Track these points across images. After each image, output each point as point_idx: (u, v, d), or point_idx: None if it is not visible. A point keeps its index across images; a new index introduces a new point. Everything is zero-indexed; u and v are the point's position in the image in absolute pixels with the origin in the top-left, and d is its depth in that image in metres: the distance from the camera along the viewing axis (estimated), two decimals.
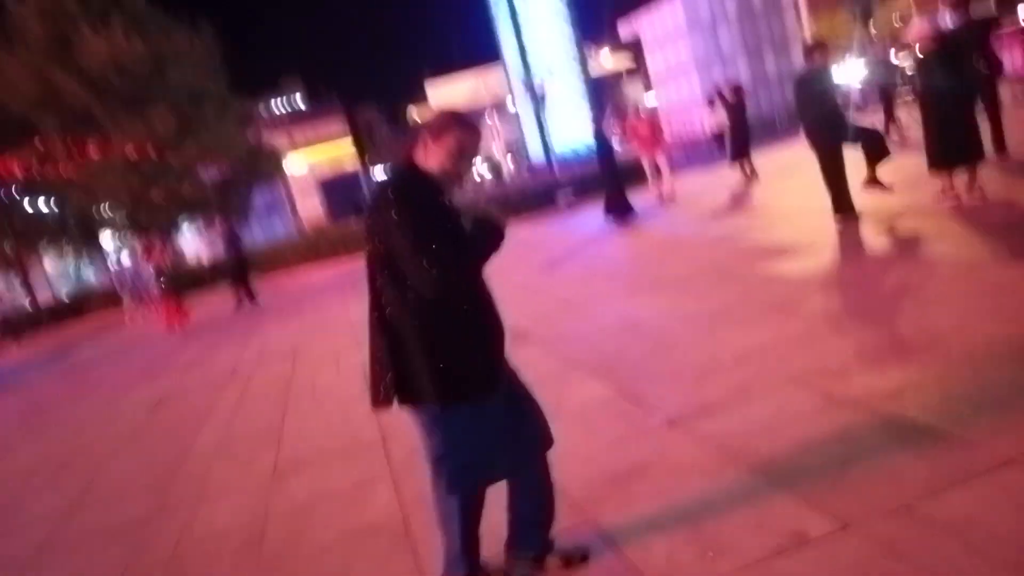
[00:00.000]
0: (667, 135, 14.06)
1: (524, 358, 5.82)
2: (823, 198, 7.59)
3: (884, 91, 13.50)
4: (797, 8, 26.26)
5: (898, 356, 3.91)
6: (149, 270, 15.04)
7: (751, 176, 12.72)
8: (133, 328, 16.35)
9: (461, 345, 2.50)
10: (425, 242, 2.34)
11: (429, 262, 2.33)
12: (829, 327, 4.65)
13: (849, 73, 22.12)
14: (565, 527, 3.06)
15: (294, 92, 68.19)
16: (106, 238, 25.49)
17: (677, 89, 25.89)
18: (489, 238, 2.51)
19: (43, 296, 26.60)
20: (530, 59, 21.27)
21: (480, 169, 40.61)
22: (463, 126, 2.52)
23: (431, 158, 2.49)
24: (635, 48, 31.89)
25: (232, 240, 14.87)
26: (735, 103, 13.21)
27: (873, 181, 7.36)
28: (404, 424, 4.73)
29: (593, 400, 4.46)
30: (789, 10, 26.37)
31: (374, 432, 4.90)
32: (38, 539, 4.67)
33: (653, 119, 13.83)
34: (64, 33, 20.72)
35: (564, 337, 6.08)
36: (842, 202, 7.32)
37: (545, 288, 8.58)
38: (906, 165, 8.40)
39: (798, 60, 26.00)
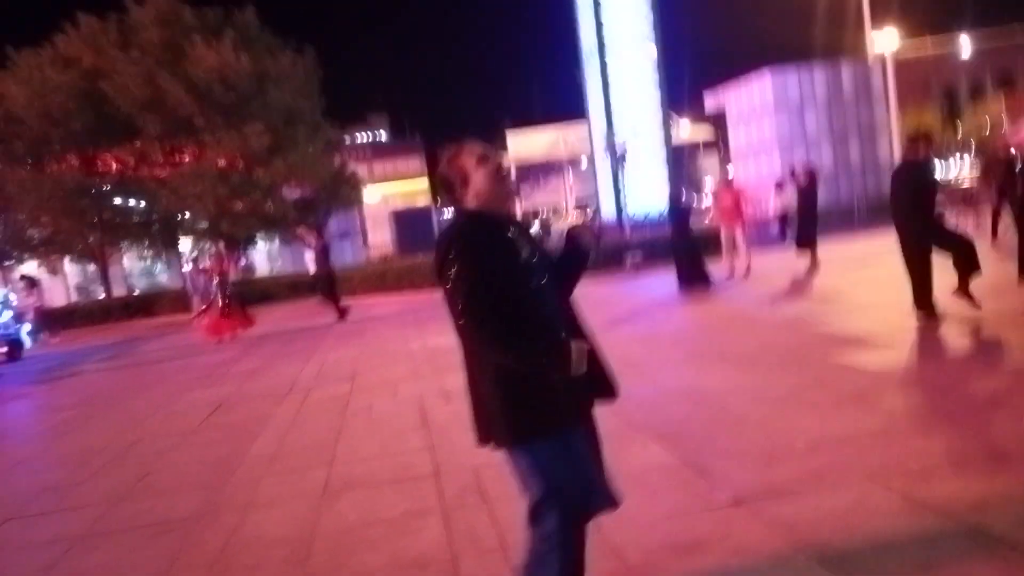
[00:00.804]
0: (749, 210, 13.82)
1: None
2: (901, 294, 7.39)
3: (999, 187, 12.66)
4: (887, 99, 25.98)
5: (984, 465, 3.73)
6: (215, 278, 15.36)
7: (815, 264, 12.38)
8: (198, 332, 16.77)
9: (532, 378, 2.40)
10: (472, 298, 2.34)
11: (471, 317, 2.34)
12: (910, 426, 4.47)
13: (950, 168, 21.85)
14: None
15: (379, 128, 70.37)
16: (184, 243, 26.44)
17: (756, 166, 25.76)
18: (550, 360, 2.39)
19: (117, 291, 27.65)
20: (615, 118, 21.51)
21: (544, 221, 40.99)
22: (479, 153, 2.52)
23: (477, 197, 2.49)
24: (716, 121, 32.03)
25: (325, 256, 15.58)
26: (807, 186, 12.87)
27: (964, 292, 7.02)
28: (458, 459, 4.74)
29: (655, 466, 4.36)
30: (880, 101, 26.10)
31: (427, 465, 4.89)
32: (91, 520, 4.76)
33: (738, 192, 13.68)
34: (178, 42, 21.94)
35: (626, 397, 5.91)
36: (924, 298, 7.09)
37: (606, 346, 8.42)
38: (997, 270, 8.14)
39: (883, 151, 25.70)
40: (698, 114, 34.33)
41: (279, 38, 23.94)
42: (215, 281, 14.67)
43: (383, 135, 70.60)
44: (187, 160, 22.83)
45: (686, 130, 39.75)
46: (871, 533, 3.17)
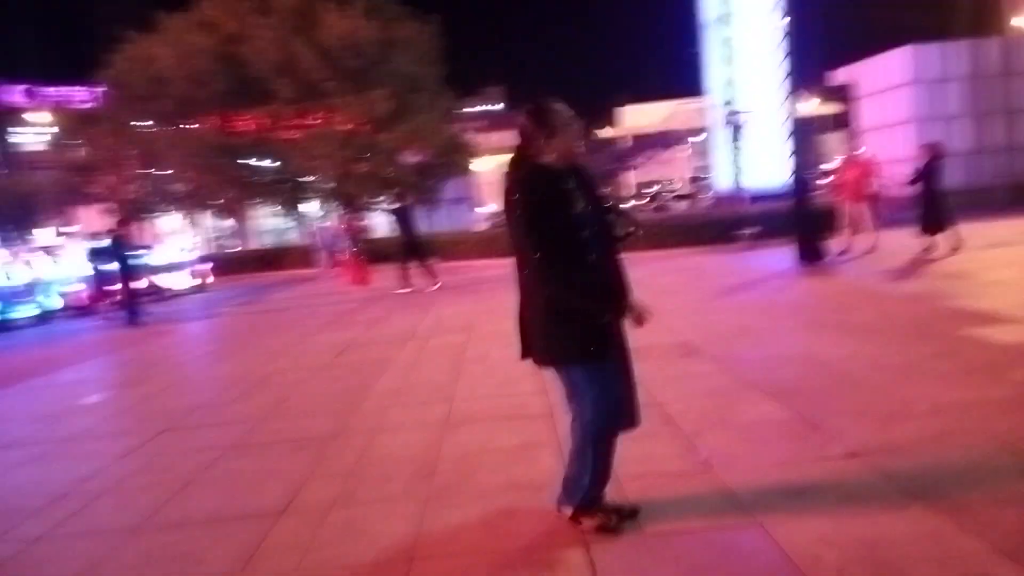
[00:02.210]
0: (878, 186, 13.10)
1: (694, 371, 5.86)
2: None
3: None
4: None
5: None
6: (345, 235, 16.28)
7: (940, 247, 11.36)
8: (324, 283, 17.75)
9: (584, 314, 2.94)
10: (536, 231, 2.82)
11: (536, 248, 2.83)
12: None
13: None
14: (731, 525, 3.11)
15: (496, 100, 70.95)
16: (310, 203, 27.72)
17: (890, 143, 24.34)
18: (603, 302, 2.95)
19: (250, 245, 29.44)
20: (736, 91, 20.91)
21: (663, 193, 40.28)
22: (557, 109, 2.96)
23: (551, 151, 2.92)
24: (845, 96, 30.42)
25: (404, 221, 14.27)
26: (926, 164, 11.61)
27: None
28: None
29: (767, 419, 4.40)
30: None
31: (543, 406, 5.10)
32: (238, 434, 5.28)
33: (866, 166, 13.05)
34: (311, 9, 22.91)
35: (738, 359, 6.01)
36: None
37: (719, 312, 8.47)
38: None
39: None
40: (826, 89, 32.70)
41: (405, 6, 24.55)
42: (343, 238, 15.61)
43: (500, 107, 71.08)
44: (316, 123, 23.87)
45: (812, 105, 38.05)
46: (993, 492, 3.15)
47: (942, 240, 11.49)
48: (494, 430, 4.75)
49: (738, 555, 2.88)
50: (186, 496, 4.15)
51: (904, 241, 12.11)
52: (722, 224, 16.44)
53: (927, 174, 11.65)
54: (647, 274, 12.66)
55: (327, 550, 3.27)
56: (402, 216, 14.53)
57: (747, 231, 15.56)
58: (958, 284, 8.50)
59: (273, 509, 3.78)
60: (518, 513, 3.43)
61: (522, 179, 2.93)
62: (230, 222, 28.62)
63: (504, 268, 3.04)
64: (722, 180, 23.27)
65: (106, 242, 13.88)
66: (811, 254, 11.62)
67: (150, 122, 25.02)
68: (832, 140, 37.14)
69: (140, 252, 14.58)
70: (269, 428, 5.38)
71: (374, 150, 23.12)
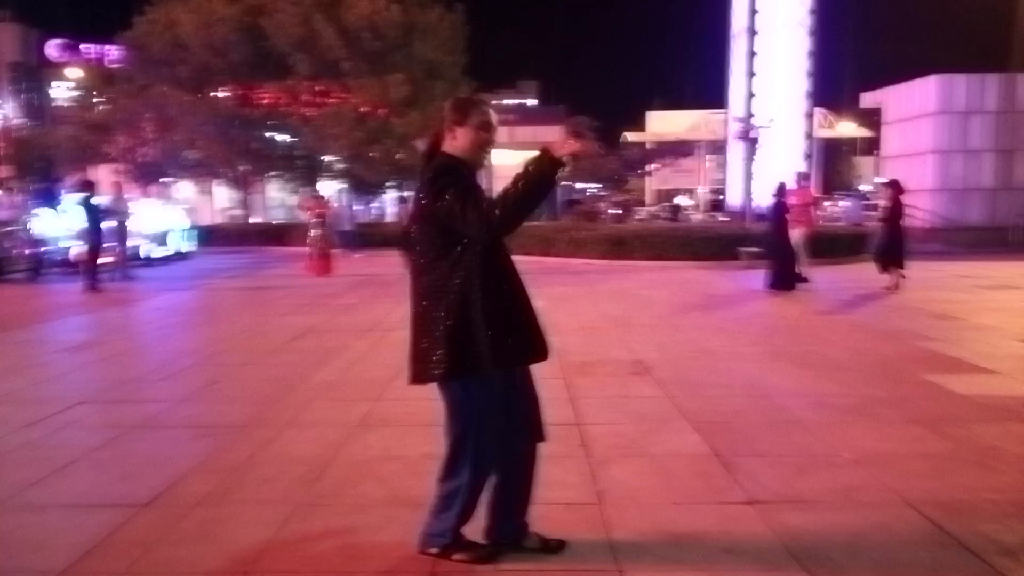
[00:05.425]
0: (816, 214, 12.54)
1: (633, 392, 5.61)
2: None
3: None
4: None
5: None
6: (312, 217, 15.87)
7: (896, 285, 11.24)
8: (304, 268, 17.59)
9: (503, 316, 2.74)
10: (468, 200, 2.60)
11: (475, 212, 2.58)
12: (976, 457, 4.03)
13: None
14: (590, 570, 2.90)
15: (528, 95, 70.72)
16: (324, 182, 27.65)
17: (908, 173, 23.75)
18: (540, 174, 2.58)
19: (257, 218, 29.36)
20: (755, 106, 20.52)
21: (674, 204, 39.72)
22: (480, 104, 2.85)
23: (460, 141, 2.77)
24: (870, 121, 29.91)
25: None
26: (893, 201, 11.66)
27: None
28: None
29: (682, 453, 4.18)
30: None
31: None
32: (149, 414, 5.13)
33: (807, 191, 12.48)
34: None
35: (683, 382, 5.77)
36: None
37: (685, 330, 8.21)
38: None
39: None
40: (853, 112, 32.19)
41: None
42: (314, 222, 15.32)
43: (532, 102, 70.76)
44: (331, 102, 23.78)
45: (837, 127, 37.52)
46: (884, 559, 2.91)
47: (892, 275, 11.26)
48: (403, 436, 4.55)
49: None
50: (62, 476, 3.99)
51: (878, 274, 11.70)
52: (722, 240, 16.09)
53: (892, 210, 11.50)
54: (633, 285, 12.40)
55: (168, 552, 3.09)
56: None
57: (746, 250, 15.22)
58: (938, 324, 8.18)
59: (139, 500, 3.60)
60: (381, 535, 3.23)
61: (438, 168, 2.75)
62: (239, 194, 28.55)
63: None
64: (734, 195, 22.87)
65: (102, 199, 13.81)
66: (781, 280, 11.26)
67: (166, 87, 25.03)
68: (863, 164, 36.58)
69: (119, 215, 14.26)
70: (183, 411, 5.22)
71: (386, 134, 23.00)
